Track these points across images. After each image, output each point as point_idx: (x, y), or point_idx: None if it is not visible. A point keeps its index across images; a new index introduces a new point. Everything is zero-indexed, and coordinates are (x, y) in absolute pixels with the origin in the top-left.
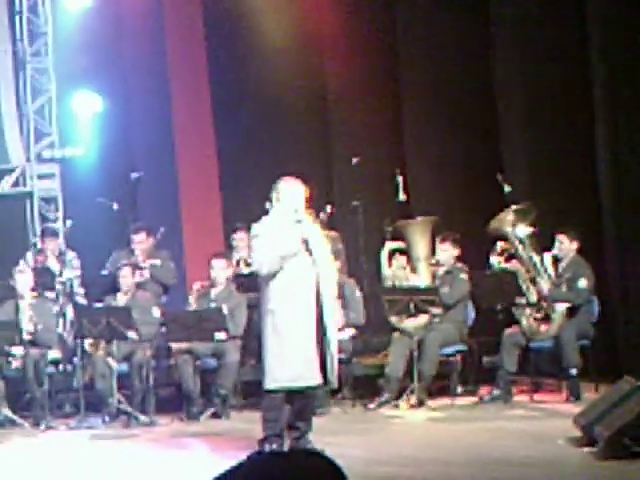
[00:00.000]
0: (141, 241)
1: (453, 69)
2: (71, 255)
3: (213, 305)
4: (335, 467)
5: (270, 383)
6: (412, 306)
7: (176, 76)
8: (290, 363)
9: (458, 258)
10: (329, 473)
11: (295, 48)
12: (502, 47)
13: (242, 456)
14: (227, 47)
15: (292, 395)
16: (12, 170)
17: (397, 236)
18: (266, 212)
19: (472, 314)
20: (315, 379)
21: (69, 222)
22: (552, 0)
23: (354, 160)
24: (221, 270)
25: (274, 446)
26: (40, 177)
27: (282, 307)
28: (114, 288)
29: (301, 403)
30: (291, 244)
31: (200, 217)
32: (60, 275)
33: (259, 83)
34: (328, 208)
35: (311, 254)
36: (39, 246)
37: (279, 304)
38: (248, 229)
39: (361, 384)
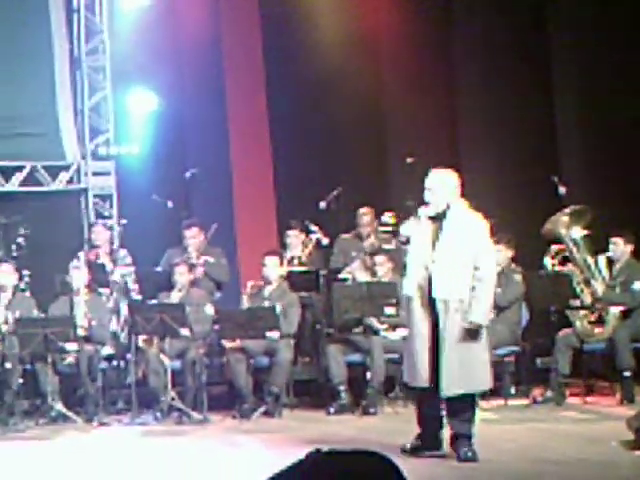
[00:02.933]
0: (194, 236)
1: (509, 70)
2: (123, 252)
3: (266, 303)
4: (395, 467)
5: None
6: None
7: (231, 74)
8: (409, 361)
9: (512, 259)
10: (389, 473)
11: (351, 48)
12: (559, 48)
13: (294, 454)
14: (284, 45)
15: None
16: (68, 167)
17: None
18: (319, 210)
19: (526, 316)
20: (424, 382)
21: (123, 220)
22: (608, 1)
23: (408, 159)
24: (274, 268)
25: None
26: (95, 174)
27: (406, 303)
28: (168, 285)
29: None
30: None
31: (254, 215)
32: (112, 272)
33: (315, 81)
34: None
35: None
36: (92, 242)
37: (403, 304)
38: (302, 227)
39: None
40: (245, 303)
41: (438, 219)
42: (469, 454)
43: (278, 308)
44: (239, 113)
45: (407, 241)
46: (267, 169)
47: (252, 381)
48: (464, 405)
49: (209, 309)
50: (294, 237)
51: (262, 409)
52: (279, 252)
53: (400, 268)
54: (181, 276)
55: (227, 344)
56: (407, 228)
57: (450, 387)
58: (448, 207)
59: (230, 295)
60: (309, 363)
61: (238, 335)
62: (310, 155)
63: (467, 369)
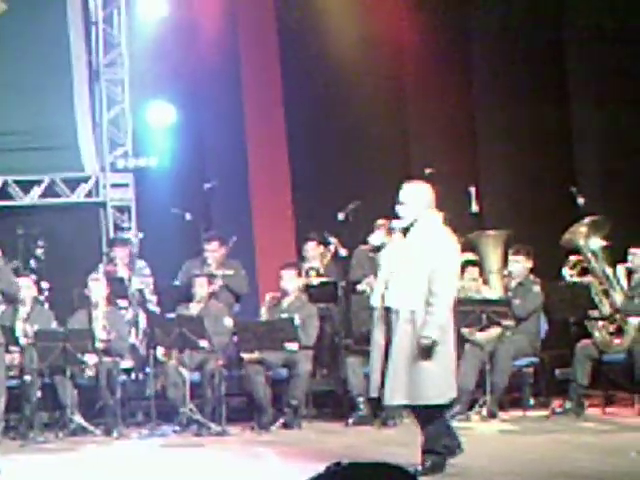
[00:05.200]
0: (213, 250)
1: (528, 82)
2: (141, 264)
3: (284, 315)
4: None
5: None
6: (484, 318)
7: (249, 86)
8: (371, 373)
9: (531, 270)
10: None
11: (372, 59)
12: (576, 58)
13: (313, 466)
14: (301, 56)
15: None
16: (86, 179)
17: (468, 248)
18: (338, 222)
19: (545, 326)
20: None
21: (141, 234)
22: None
23: (427, 170)
24: (292, 280)
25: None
26: (114, 187)
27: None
28: (187, 297)
29: None
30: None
31: (272, 227)
32: (131, 284)
33: (333, 92)
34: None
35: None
36: (111, 255)
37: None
38: (320, 239)
39: None
40: (263, 315)
41: (408, 231)
42: (419, 468)
43: (296, 320)
44: (257, 125)
45: (376, 250)
46: (285, 181)
47: (271, 393)
48: (424, 418)
49: (228, 321)
50: (312, 249)
51: (281, 421)
52: (297, 264)
53: None
54: (200, 288)
55: (246, 356)
56: (377, 238)
57: (394, 397)
58: (416, 220)
59: (249, 307)
60: (328, 375)
61: (257, 347)
62: (328, 166)
63: (414, 381)
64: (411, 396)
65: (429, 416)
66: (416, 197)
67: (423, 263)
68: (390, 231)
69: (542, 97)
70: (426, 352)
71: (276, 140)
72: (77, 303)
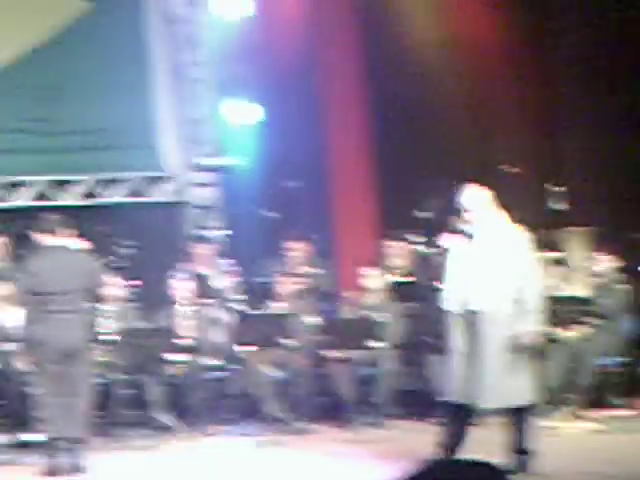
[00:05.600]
0: (297, 248)
1: (610, 77)
2: (225, 263)
3: (367, 314)
4: (505, 478)
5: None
6: (569, 316)
7: (333, 86)
8: (447, 376)
9: (617, 269)
10: None
11: (452, 58)
12: None
13: (397, 465)
14: (383, 55)
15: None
16: (170, 179)
17: (551, 246)
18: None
19: (631, 325)
20: (460, 397)
21: (225, 233)
22: None
23: (508, 169)
24: (375, 279)
25: None
26: (198, 186)
27: (446, 318)
28: (270, 296)
29: None
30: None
31: (354, 226)
32: (215, 283)
33: (415, 92)
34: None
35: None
36: (194, 254)
37: (444, 315)
38: (403, 237)
39: None
40: (347, 314)
41: (477, 235)
42: (511, 467)
43: (380, 318)
44: (340, 124)
45: (444, 252)
46: (367, 179)
47: (355, 391)
48: (517, 418)
49: (312, 319)
50: (395, 247)
51: (366, 419)
52: (380, 262)
53: None
54: (284, 287)
55: (330, 354)
56: (447, 241)
57: (490, 400)
58: (486, 222)
59: (332, 306)
60: (412, 373)
61: (341, 345)
62: (411, 164)
63: (509, 383)
64: (508, 398)
65: (522, 416)
66: (480, 201)
67: (509, 264)
68: (457, 234)
69: (625, 91)
70: (528, 349)
71: (359, 139)
72: (162, 301)
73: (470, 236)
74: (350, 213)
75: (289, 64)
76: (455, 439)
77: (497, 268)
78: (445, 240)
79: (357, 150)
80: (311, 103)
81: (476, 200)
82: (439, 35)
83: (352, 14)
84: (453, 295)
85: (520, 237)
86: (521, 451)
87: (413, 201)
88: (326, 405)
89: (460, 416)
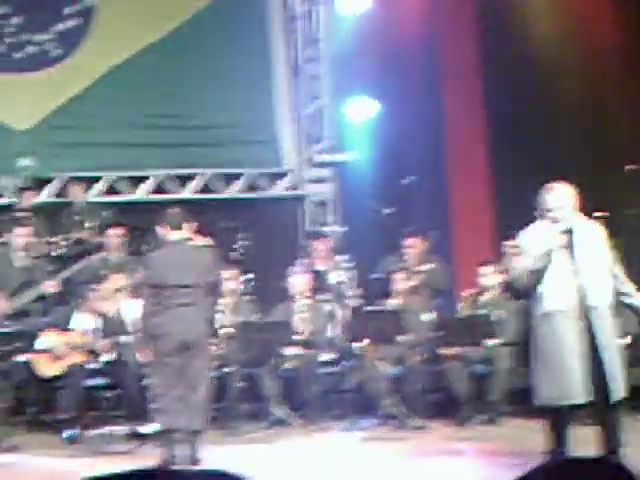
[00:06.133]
0: (413, 245)
1: None
2: (341, 258)
3: (484, 312)
4: (632, 477)
5: (536, 399)
6: None
7: (449, 81)
8: (551, 380)
9: None
10: None
11: (573, 54)
12: None
13: (512, 463)
14: (501, 52)
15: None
16: (286, 174)
17: None
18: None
19: None
20: (580, 396)
21: (342, 228)
22: None
23: (628, 167)
24: (491, 277)
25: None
26: (313, 181)
27: (539, 322)
28: (386, 292)
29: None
30: (541, 258)
31: (471, 223)
32: (331, 278)
33: (533, 87)
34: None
35: (574, 263)
36: (311, 249)
37: (536, 319)
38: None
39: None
40: (462, 311)
41: (568, 232)
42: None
43: (496, 316)
44: (456, 120)
45: (520, 251)
46: (484, 176)
47: (470, 388)
48: (615, 414)
49: (427, 316)
50: (512, 246)
51: (480, 417)
52: (497, 260)
53: None
54: (399, 283)
55: (445, 351)
56: (526, 239)
57: (619, 390)
58: (575, 221)
59: (448, 303)
60: (528, 371)
61: (456, 342)
62: (529, 161)
63: (623, 373)
64: (624, 388)
65: (616, 411)
66: (570, 198)
67: (605, 258)
68: (554, 233)
69: None
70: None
71: (476, 135)
72: (278, 296)
73: (563, 233)
74: (467, 210)
75: (406, 59)
76: (562, 440)
77: (597, 262)
78: (526, 238)
79: (474, 146)
80: (428, 98)
81: (569, 198)
82: (557, 29)
83: (470, 6)
84: (559, 293)
85: (602, 232)
86: (615, 446)
87: (532, 198)
88: (440, 402)
89: (563, 417)
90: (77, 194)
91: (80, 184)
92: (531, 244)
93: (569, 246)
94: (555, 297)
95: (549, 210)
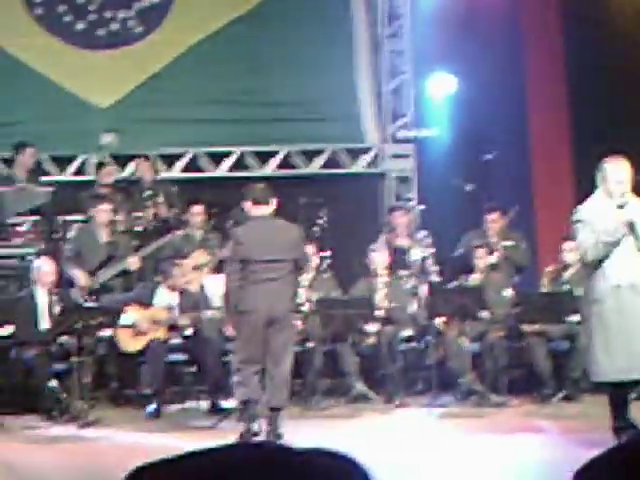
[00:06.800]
0: (494, 221)
1: None
2: (422, 234)
3: (565, 288)
4: None
5: (595, 375)
6: None
7: (530, 56)
8: (614, 355)
9: None
10: None
11: None
12: None
13: (593, 441)
14: (583, 25)
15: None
16: (367, 150)
17: None
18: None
19: None
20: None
21: (422, 204)
22: None
23: None
24: (574, 253)
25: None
26: (395, 157)
27: (605, 296)
28: (467, 268)
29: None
30: (615, 230)
31: (553, 199)
32: (413, 254)
33: (615, 61)
34: None
35: (637, 239)
36: (391, 225)
37: (602, 293)
38: None
39: None
40: (544, 287)
41: (622, 207)
42: None
43: (578, 293)
44: (538, 95)
45: (577, 222)
46: (566, 152)
47: (552, 365)
48: None
49: (508, 292)
50: (574, 221)
51: (562, 394)
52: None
53: None
54: (481, 259)
55: (527, 327)
56: (586, 212)
57: None
58: (632, 195)
59: (529, 279)
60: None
61: (538, 319)
62: (612, 138)
63: None
64: None
65: None
66: (630, 175)
67: None
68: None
69: None
70: None
71: (558, 110)
72: (358, 272)
73: (620, 207)
74: (549, 185)
75: (486, 33)
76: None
77: None
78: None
79: (557, 121)
80: (508, 74)
81: (625, 173)
82: None
83: None
84: (625, 268)
85: None
86: None
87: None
88: (521, 379)
89: (622, 392)
90: (146, 171)
91: (149, 161)
92: (591, 218)
93: (630, 222)
94: (621, 271)
95: (610, 183)
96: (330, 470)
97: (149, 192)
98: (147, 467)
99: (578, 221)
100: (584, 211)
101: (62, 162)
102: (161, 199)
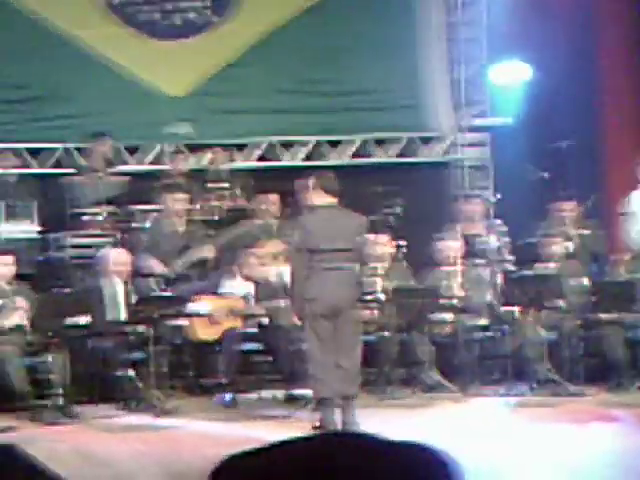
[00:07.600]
0: (570, 209)
1: None
2: (497, 222)
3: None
4: None
5: None
6: None
7: (604, 45)
8: None
9: None
10: None
11: None
12: None
13: None
14: None
15: None
16: (439, 139)
17: None
18: None
19: None
20: None
21: (495, 192)
22: None
23: None
24: None
25: None
26: (470, 146)
27: None
28: (543, 256)
29: None
30: None
31: (629, 187)
32: (483, 243)
33: None
34: None
35: None
36: (463, 214)
37: None
38: None
39: None
40: (621, 275)
41: None
42: None
43: None
44: (614, 83)
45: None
46: None
47: (629, 354)
48: None
49: (585, 281)
50: (622, 212)
51: (638, 383)
52: None
53: None
54: (556, 247)
55: (603, 316)
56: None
57: None
58: None
59: (604, 267)
60: None
61: (614, 307)
62: None
63: None
64: None
65: None
66: None
67: None
68: None
69: None
70: None
71: (634, 99)
72: (433, 260)
73: None
74: (623, 174)
75: (560, 21)
76: None
77: None
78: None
79: (633, 110)
80: (583, 61)
81: None
82: None
83: None
84: None
85: None
86: None
87: None
88: (597, 368)
89: None
90: (222, 160)
91: (225, 151)
92: None
93: None
94: None
95: None
96: (429, 467)
97: (225, 182)
98: (240, 456)
99: (627, 212)
100: (634, 201)
101: (138, 152)
102: (237, 189)
